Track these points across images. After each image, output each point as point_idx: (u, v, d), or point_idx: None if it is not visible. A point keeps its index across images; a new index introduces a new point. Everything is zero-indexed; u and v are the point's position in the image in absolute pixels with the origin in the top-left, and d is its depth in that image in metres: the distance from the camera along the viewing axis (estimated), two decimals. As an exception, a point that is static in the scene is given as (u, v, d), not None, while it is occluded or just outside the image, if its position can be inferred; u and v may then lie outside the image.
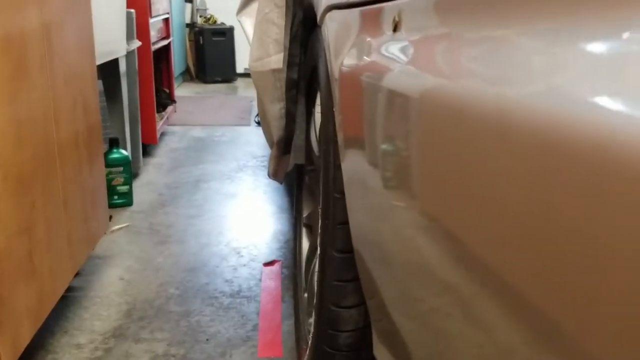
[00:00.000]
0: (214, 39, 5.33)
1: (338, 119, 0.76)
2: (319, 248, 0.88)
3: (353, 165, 0.71)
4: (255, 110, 3.98)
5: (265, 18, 1.15)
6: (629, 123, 0.26)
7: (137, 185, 2.39)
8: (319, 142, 1.08)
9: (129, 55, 2.37)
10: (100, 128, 1.70)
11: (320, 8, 0.91)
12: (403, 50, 0.54)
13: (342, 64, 0.72)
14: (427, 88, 0.49)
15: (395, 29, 0.56)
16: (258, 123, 3.76)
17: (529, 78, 0.37)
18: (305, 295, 1.23)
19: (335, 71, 0.76)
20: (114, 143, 2.21)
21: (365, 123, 0.63)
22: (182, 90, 4.91)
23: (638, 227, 0.25)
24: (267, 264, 1.82)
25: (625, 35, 0.29)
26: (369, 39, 0.65)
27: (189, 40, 5.58)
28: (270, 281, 1.72)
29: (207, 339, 1.43)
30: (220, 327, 1.48)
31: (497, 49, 0.41)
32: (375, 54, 0.61)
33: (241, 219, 2.21)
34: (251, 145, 3.26)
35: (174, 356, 1.36)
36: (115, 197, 2.21)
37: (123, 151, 2.25)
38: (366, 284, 0.73)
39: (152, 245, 1.95)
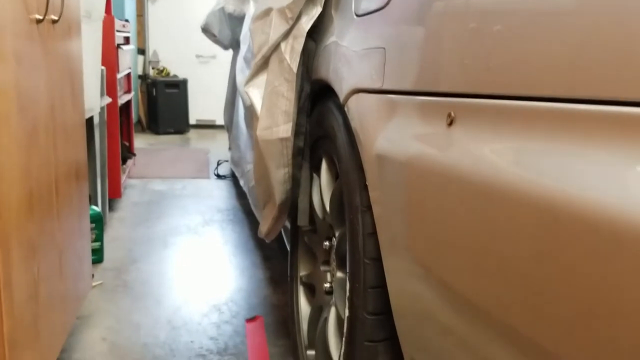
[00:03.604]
0: (167, 91, 5.37)
1: (374, 193, 0.84)
2: (347, 310, 0.94)
3: (399, 245, 0.79)
4: (213, 163, 4.02)
5: (275, 91, 1.23)
6: None
7: (104, 240, 2.36)
8: (330, 208, 1.16)
9: (100, 111, 2.40)
10: (87, 185, 1.71)
11: (343, 88, 1.00)
12: (460, 144, 0.63)
13: (380, 146, 0.81)
14: (485, 182, 0.58)
15: (451, 124, 0.65)
16: (218, 176, 3.80)
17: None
18: (310, 352, 1.27)
19: (369, 151, 0.85)
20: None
21: (416, 207, 0.72)
22: (135, 142, 4.88)
23: None
24: (249, 320, 1.84)
25: None
26: (413, 127, 0.74)
27: (140, 92, 5.59)
28: (256, 337, 1.75)
29: (201, 399, 1.43)
30: (213, 386, 1.49)
31: (566, 159, 0.50)
32: (426, 144, 0.70)
33: (216, 275, 2.22)
34: (214, 199, 3.28)
35: (170, 418, 1.36)
36: (87, 254, 2.18)
37: (95, 207, 2.24)
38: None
39: (129, 303, 1.94)
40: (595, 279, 0.45)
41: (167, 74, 5.61)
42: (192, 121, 5.64)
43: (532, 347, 0.53)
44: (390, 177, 0.78)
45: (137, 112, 5.52)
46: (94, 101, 2.18)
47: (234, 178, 3.54)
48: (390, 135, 0.79)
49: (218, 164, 3.93)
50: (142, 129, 5.60)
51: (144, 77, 5.64)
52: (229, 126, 3.31)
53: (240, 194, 3.23)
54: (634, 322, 0.42)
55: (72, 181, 1.50)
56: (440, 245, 0.68)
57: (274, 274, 2.22)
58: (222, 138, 4.80)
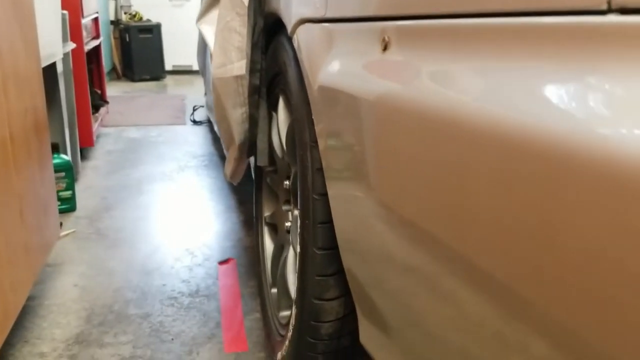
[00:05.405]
0: (140, 36, 5.23)
1: (319, 127, 0.82)
2: (298, 246, 0.94)
3: (340, 173, 0.78)
4: (190, 109, 3.96)
5: (227, 26, 1.19)
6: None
7: (77, 189, 2.34)
8: (287, 146, 1.14)
9: (63, 57, 2.33)
10: (48, 134, 1.67)
11: (291, 20, 0.96)
12: (395, 68, 0.61)
13: (323, 77, 0.79)
14: (421, 105, 0.56)
15: (385, 48, 0.63)
16: (194, 122, 3.75)
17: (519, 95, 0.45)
18: (273, 290, 1.28)
19: (313, 83, 0.82)
20: (54, 148, 2.15)
21: (355, 139, 0.70)
22: (110, 90, 4.77)
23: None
24: (222, 262, 1.86)
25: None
26: (352, 55, 0.71)
27: (114, 38, 5.44)
28: (227, 279, 1.76)
29: (172, 339, 1.45)
30: (184, 326, 1.51)
31: (495, 74, 0.48)
32: (363, 70, 0.68)
33: (190, 220, 2.22)
34: (190, 145, 3.25)
35: (141, 357, 1.38)
36: (58, 203, 2.16)
37: (64, 156, 2.21)
38: (354, 277, 0.80)
39: (103, 250, 1.94)
40: (553, 207, 0.43)
41: (140, 19, 5.45)
42: (168, 67, 5.53)
43: (486, 279, 0.51)
44: (330, 110, 0.76)
45: (111, 59, 5.39)
46: (54, 47, 2.12)
47: (209, 123, 3.50)
48: (331, 66, 0.77)
49: (194, 110, 3.88)
50: (118, 77, 5.48)
51: (116, 23, 5.48)
52: (203, 70, 3.24)
53: (216, 139, 3.20)
54: (591, 252, 0.40)
55: (29, 130, 1.46)
56: (381, 176, 0.67)
57: (247, 217, 2.23)
58: (199, 83, 4.71)
